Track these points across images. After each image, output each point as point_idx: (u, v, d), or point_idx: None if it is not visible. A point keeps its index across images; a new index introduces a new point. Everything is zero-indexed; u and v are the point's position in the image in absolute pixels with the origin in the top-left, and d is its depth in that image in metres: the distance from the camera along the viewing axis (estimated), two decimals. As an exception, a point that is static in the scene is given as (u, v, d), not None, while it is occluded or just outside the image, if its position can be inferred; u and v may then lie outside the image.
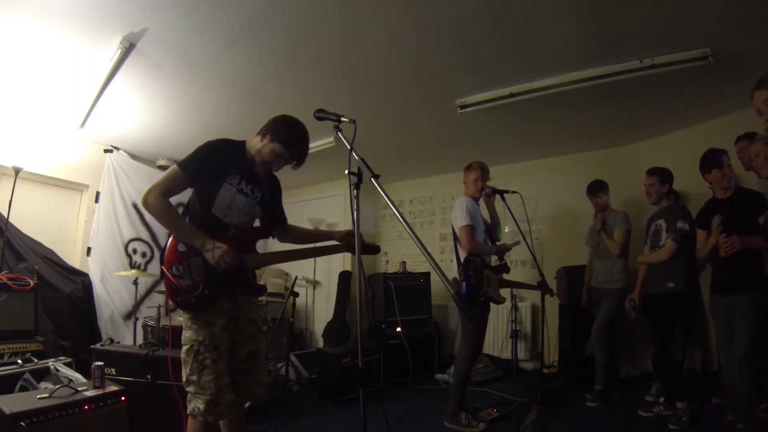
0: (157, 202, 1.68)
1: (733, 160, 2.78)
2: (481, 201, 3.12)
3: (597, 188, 3.59)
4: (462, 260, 2.89)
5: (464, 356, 2.87)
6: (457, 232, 2.94)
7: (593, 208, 3.65)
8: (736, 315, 2.38)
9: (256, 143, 1.83)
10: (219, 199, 1.75)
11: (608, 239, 3.42)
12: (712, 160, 2.61)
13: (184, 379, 1.72)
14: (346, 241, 1.94)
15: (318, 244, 2.06)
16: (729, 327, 2.43)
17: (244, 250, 1.80)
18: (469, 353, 2.87)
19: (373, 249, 1.97)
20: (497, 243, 3.22)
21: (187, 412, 1.71)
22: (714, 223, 2.50)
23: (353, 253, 1.90)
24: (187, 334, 1.73)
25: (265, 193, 1.92)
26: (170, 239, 1.75)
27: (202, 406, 1.66)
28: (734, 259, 2.35)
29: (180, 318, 2.06)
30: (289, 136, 1.80)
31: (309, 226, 5.20)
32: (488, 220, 3.24)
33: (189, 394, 1.71)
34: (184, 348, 1.72)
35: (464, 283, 2.80)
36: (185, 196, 1.86)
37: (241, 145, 1.86)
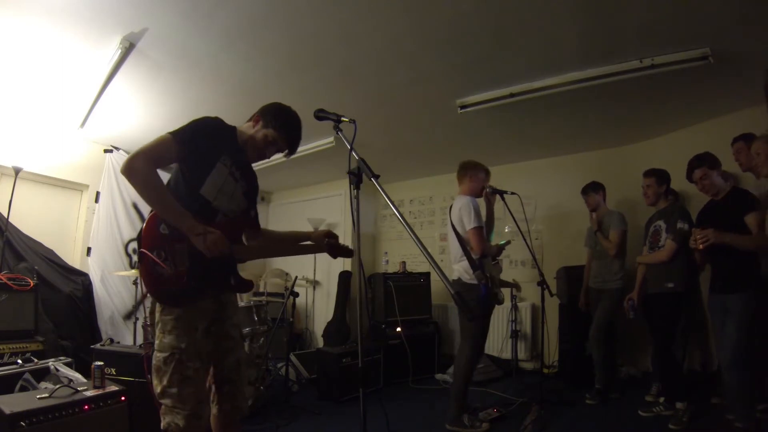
0: (145, 169, 1.40)
1: (731, 162, 2.79)
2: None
3: (590, 188, 3.62)
4: (476, 261, 2.84)
5: (466, 359, 2.85)
6: (465, 234, 2.88)
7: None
8: (729, 313, 2.40)
9: (247, 129, 1.73)
10: (211, 179, 1.55)
11: (604, 240, 3.43)
12: (689, 175, 2.66)
13: (158, 390, 1.46)
14: (322, 242, 1.84)
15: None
16: (725, 326, 2.44)
17: (231, 240, 1.58)
18: (471, 355, 2.86)
19: (346, 251, 1.87)
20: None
21: (161, 427, 1.46)
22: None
23: (330, 254, 1.86)
24: (166, 340, 1.46)
25: (251, 187, 1.79)
26: (148, 218, 1.49)
27: (181, 422, 1.43)
28: (730, 258, 2.37)
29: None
30: (283, 122, 1.72)
31: (309, 226, 5.22)
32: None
33: (164, 407, 1.46)
34: (162, 356, 1.45)
35: (483, 286, 2.78)
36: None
37: (233, 129, 1.74)
